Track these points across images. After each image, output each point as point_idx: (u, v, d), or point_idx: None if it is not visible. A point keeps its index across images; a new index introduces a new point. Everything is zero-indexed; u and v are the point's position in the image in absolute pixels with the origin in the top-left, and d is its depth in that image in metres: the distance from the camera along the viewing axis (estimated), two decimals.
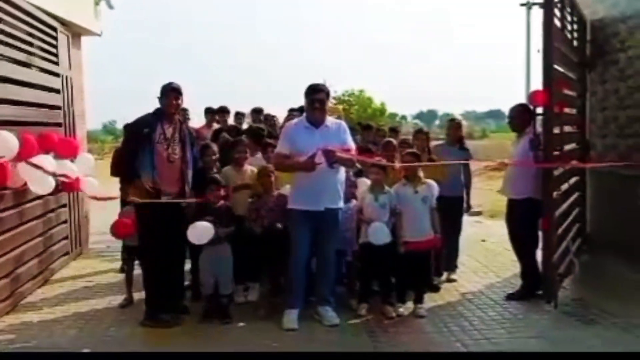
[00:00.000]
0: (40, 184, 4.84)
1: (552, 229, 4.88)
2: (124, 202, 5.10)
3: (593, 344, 4.05)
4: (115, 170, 4.74)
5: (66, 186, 5.36)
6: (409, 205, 4.75)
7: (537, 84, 5.21)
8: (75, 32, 7.29)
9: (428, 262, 4.89)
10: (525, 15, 23.97)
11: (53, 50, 6.42)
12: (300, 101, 5.81)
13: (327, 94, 4.64)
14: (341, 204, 4.63)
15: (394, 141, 5.61)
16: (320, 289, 4.65)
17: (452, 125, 5.84)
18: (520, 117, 5.24)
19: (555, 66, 4.96)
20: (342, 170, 4.63)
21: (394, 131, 7.17)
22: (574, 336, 4.20)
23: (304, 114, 4.70)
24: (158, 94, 4.60)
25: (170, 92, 4.59)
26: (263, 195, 4.87)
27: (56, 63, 6.47)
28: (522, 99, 5.79)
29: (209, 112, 7.82)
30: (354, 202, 4.92)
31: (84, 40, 7.63)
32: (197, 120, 7.71)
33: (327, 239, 4.59)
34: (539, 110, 5.01)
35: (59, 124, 6.42)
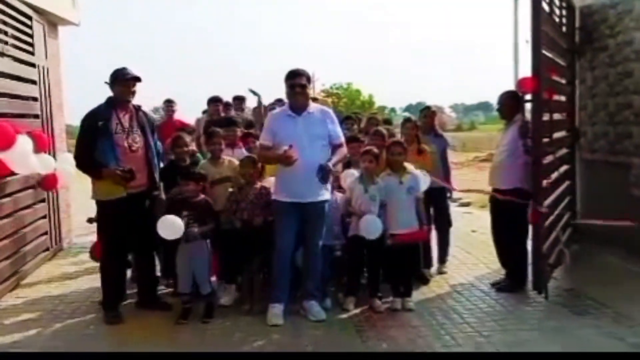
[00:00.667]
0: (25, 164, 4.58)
1: (541, 219, 4.78)
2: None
3: (584, 333, 3.97)
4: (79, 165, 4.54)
5: (46, 184, 5.17)
6: (393, 197, 4.61)
7: (524, 74, 5.07)
8: (52, 22, 7.06)
9: (416, 254, 4.78)
10: (513, 6, 23.97)
11: (28, 39, 6.19)
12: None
13: (308, 78, 4.42)
14: (327, 196, 4.45)
15: (383, 129, 5.39)
16: (306, 283, 4.49)
17: (426, 113, 5.76)
18: (508, 104, 5.11)
19: (544, 52, 4.84)
20: (327, 156, 4.39)
21: (387, 123, 6.80)
22: (565, 327, 4.12)
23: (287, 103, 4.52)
24: (108, 81, 4.37)
25: (126, 79, 4.36)
26: (244, 187, 4.64)
27: (32, 53, 6.25)
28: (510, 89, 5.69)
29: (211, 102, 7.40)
30: (338, 194, 4.75)
31: (61, 30, 7.39)
32: (180, 112, 7.50)
33: (312, 232, 4.41)
34: (528, 97, 4.92)
35: (36, 116, 6.23)
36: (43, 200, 6.23)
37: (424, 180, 4.81)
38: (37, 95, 6.27)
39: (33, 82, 6.22)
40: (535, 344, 3.85)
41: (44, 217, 6.31)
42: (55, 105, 6.86)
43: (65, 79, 7.33)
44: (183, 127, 6.26)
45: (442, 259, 5.71)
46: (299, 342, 3.97)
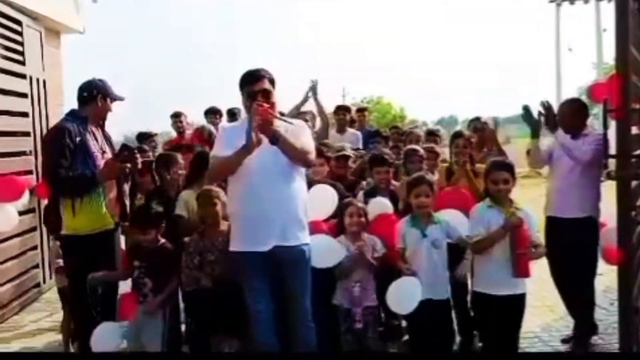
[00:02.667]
0: None
1: (630, 259, 3.79)
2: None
3: None
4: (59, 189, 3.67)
5: None
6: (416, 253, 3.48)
7: (568, 85, 4.18)
8: (52, 29, 6.41)
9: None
10: (555, 13, 22.97)
11: (18, 47, 5.51)
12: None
13: (272, 81, 3.17)
14: (304, 238, 3.17)
15: (421, 149, 4.37)
16: None
17: (478, 126, 5.03)
18: (576, 115, 4.15)
19: (632, 50, 3.88)
20: (302, 185, 3.21)
21: (433, 135, 5.33)
22: None
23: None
24: (84, 93, 3.64)
25: (106, 97, 3.67)
26: (207, 232, 3.52)
27: (22, 62, 5.55)
28: (552, 102, 4.74)
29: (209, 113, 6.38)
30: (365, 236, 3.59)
31: (64, 38, 6.73)
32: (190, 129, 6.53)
33: (288, 290, 3.15)
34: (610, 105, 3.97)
35: (26, 134, 5.52)
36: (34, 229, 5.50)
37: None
38: (27, 110, 5.56)
39: (24, 95, 5.52)
40: None
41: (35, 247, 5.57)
42: (53, 118, 6.14)
43: (67, 90, 6.63)
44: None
45: None
46: None
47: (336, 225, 3.69)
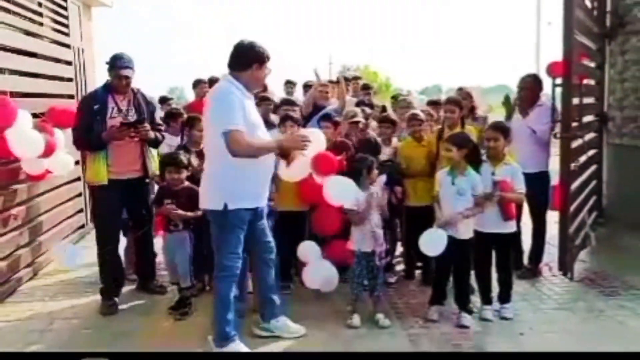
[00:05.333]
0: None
1: (568, 202, 4.82)
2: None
3: (617, 314, 4.07)
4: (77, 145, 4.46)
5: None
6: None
7: (546, 57, 5.04)
8: (86, 3, 7.19)
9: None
10: None
11: (64, 21, 6.34)
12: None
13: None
14: None
15: (421, 114, 4.90)
16: (269, 300, 3.86)
17: (463, 94, 5.34)
18: (531, 87, 5.04)
19: (575, 36, 4.85)
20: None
21: (435, 104, 5.90)
22: (597, 307, 4.21)
23: (231, 79, 3.54)
24: (107, 65, 4.24)
25: (119, 75, 4.21)
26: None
27: (67, 34, 6.39)
28: (532, 72, 5.56)
29: None
30: (373, 188, 4.11)
31: (94, 12, 7.52)
32: None
33: (260, 236, 3.78)
34: (558, 81, 4.94)
35: (71, 96, 6.38)
36: (79, 179, 6.41)
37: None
38: (72, 75, 6.42)
39: (69, 62, 6.37)
40: (569, 323, 3.95)
41: (79, 194, 6.49)
42: (90, 85, 7.02)
43: (98, 60, 7.45)
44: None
45: None
46: None
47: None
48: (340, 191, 4.05)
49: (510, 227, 4.13)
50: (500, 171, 4.06)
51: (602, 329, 3.86)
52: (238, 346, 3.52)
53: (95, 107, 4.19)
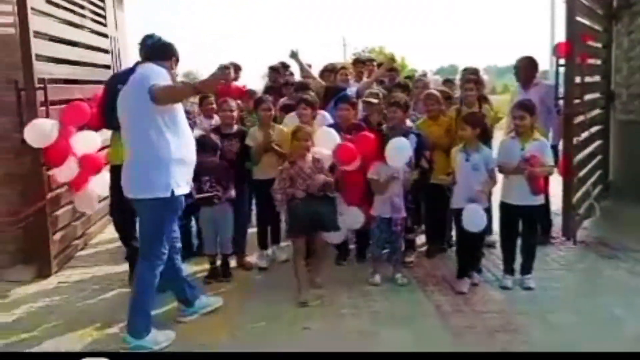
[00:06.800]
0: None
1: (571, 172, 5.21)
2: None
3: (614, 274, 4.52)
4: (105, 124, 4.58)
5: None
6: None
7: (561, 35, 5.34)
8: None
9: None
10: None
11: (101, 12, 6.80)
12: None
13: None
14: None
15: (437, 93, 5.12)
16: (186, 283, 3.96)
17: (472, 76, 5.45)
18: (526, 68, 5.39)
19: (578, 18, 5.21)
20: None
21: (449, 82, 6.27)
22: (594, 268, 4.68)
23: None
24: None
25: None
26: (297, 161, 4.27)
27: (104, 25, 6.86)
28: (547, 52, 5.94)
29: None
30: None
31: (125, 3, 7.98)
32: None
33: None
34: (562, 61, 5.30)
35: None
36: None
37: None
38: (109, 63, 6.91)
39: (106, 51, 6.86)
40: (566, 281, 4.40)
41: None
42: None
43: (129, 48, 7.94)
44: (241, 94, 6.29)
45: None
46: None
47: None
48: (397, 152, 4.31)
49: (538, 200, 4.31)
50: (529, 146, 4.23)
51: (600, 286, 4.32)
52: (157, 336, 3.53)
53: (119, 86, 3.95)
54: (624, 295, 4.10)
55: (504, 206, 4.38)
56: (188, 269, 4.64)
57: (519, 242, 4.41)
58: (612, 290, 4.22)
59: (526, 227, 4.37)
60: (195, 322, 3.85)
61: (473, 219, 4.16)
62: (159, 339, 3.52)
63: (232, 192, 4.66)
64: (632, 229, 5.68)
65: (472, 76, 5.43)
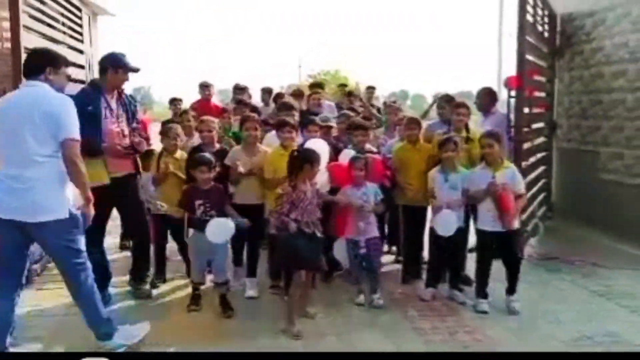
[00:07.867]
0: None
1: None
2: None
3: (558, 284, 5.07)
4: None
5: None
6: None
7: (508, 66, 5.89)
8: (94, 12, 7.83)
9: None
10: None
11: (78, 28, 6.97)
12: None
13: None
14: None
15: (418, 117, 5.34)
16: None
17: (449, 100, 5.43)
18: (485, 98, 5.85)
19: (527, 56, 5.81)
20: None
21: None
22: (543, 279, 5.21)
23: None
24: (100, 66, 4.32)
25: (129, 69, 4.27)
26: (300, 186, 4.07)
27: (81, 41, 7.03)
28: (494, 80, 6.48)
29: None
30: (368, 185, 4.54)
31: (99, 19, 8.17)
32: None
33: None
34: (512, 93, 5.88)
35: None
36: None
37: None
38: (85, 79, 7.05)
39: (82, 67, 7.01)
40: (518, 291, 4.76)
41: None
42: None
43: None
44: (220, 112, 6.56)
45: None
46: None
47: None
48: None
49: (514, 225, 4.35)
50: (500, 174, 4.29)
51: (546, 295, 4.80)
52: (127, 330, 3.62)
53: (89, 108, 4.04)
54: (567, 303, 4.61)
55: (479, 232, 4.46)
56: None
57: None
58: (557, 299, 4.72)
59: (506, 251, 4.40)
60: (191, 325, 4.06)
61: (444, 222, 4.35)
62: (129, 331, 3.63)
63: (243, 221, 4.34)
64: (574, 245, 6.29)
65: (462, 101, 5.28)
